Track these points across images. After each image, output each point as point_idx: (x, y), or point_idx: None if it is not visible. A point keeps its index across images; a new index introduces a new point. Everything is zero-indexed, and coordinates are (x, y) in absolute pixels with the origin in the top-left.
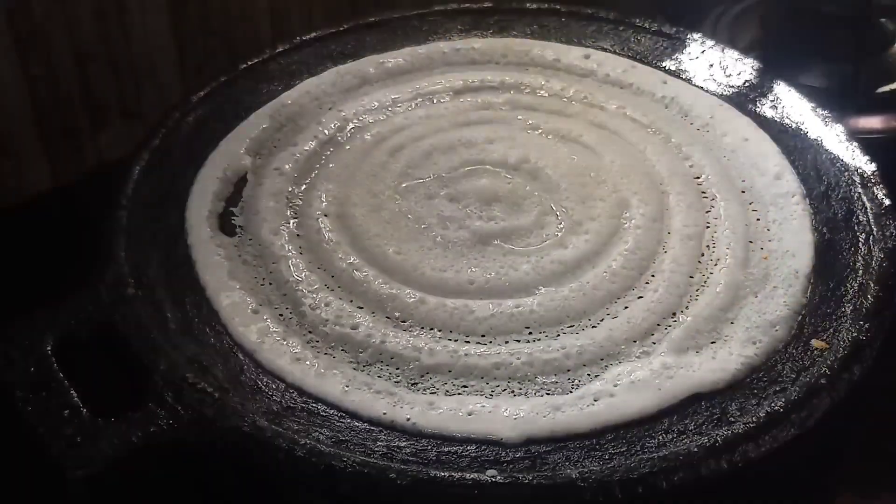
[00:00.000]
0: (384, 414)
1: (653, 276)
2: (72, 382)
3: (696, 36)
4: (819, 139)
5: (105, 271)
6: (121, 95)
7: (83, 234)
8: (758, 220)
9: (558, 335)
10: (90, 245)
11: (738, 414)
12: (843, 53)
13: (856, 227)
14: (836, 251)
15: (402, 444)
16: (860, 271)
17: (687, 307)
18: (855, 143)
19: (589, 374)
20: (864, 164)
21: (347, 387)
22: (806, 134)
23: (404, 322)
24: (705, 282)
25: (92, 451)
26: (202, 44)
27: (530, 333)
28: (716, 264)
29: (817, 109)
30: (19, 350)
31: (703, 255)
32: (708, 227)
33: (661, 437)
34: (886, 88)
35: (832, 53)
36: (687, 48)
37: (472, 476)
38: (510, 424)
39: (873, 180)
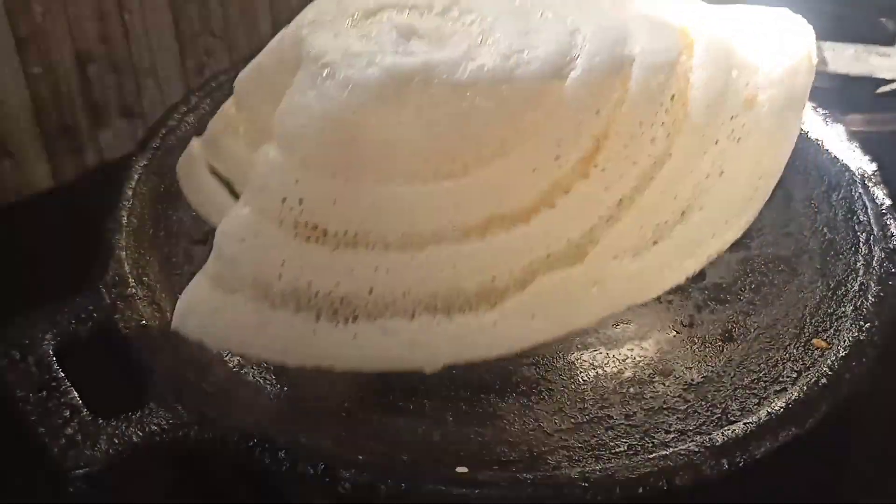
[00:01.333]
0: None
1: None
2: (72, 382)
3: None
4: (819, 139)
5: (105, 271)
6: (121, 95)
7: (83, 233)
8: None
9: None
10: (90, 245)
11: (739, 414)
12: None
13: (856, 227)
14: (837, 251)
15: (402, 445)
16: (861, 271)
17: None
18: (855, 143)
19: (515, 284)
20: (865, 164)
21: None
22: (806, 134)
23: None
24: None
25: (92, 451)
26: (202, 44)
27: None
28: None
29: (817, 109)
30: (19, 350)
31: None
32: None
33: (661, 437)
34: (886, 88)
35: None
36: None
37: (472, 476)
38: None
39: (874, 180)
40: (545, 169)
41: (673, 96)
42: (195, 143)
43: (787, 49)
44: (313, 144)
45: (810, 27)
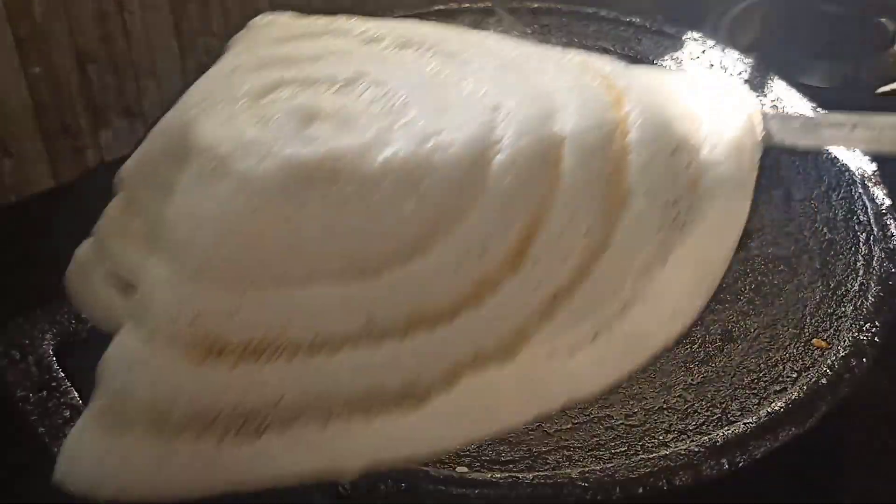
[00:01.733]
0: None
1: None
2: (72, 382)
3: (696, 36)
4: None
5: None
6: (121, 95)
7: (83, 233)
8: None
9: (406, 332)
10: None
11: (739, 414)
12: (843, 53)
13: (856, 227)
14: (837, 251)
15: None
16: (861, 271)
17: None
18: None
19: (441, 382)
20: (865, 164)
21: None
22: None
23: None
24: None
25: None
26: (202, 44)
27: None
28: None
29: (817, 109)
30: (19, 350)
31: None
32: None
33: (661, 437)
34: (886, 88)
35: (832, 53)
36: (687, 48)
37: (472, 476)
38: (352, 460)
39: (873, 180)
40: (469, 267)
41: (609, 180)
42: (84, 249)
43: (730, 123)
44: (206, 255)
45: (753, 95)
